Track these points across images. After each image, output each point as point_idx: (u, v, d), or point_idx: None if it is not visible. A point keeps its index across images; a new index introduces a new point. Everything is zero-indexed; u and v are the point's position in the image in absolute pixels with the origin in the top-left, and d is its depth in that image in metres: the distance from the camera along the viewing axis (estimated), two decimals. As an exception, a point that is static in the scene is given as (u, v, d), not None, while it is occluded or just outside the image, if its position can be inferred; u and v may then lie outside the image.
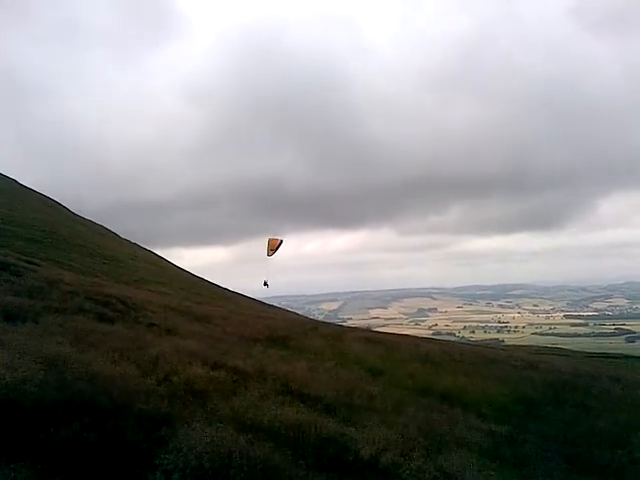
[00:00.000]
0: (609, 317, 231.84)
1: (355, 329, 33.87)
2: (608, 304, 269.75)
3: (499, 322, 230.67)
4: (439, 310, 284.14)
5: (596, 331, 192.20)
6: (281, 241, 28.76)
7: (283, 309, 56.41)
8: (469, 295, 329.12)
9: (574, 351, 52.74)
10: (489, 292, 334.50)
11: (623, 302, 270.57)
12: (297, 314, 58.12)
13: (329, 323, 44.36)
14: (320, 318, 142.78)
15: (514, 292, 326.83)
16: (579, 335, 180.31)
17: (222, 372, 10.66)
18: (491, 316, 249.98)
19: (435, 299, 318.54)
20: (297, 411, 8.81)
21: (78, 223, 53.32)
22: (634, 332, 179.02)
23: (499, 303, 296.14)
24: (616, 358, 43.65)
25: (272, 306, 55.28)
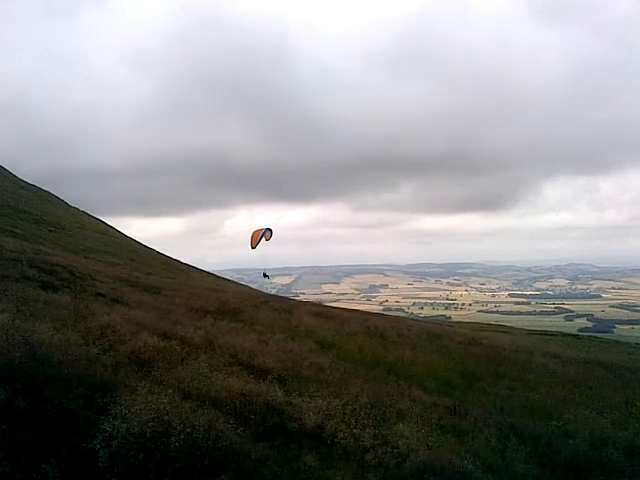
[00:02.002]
0: (550, 296, 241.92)
1: (307, 303, 34.08)
2: (550, 284, 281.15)
3: (447, 299, 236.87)
4: (390, 286, 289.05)
5: (537, 310, 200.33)
6: (265, 230, 23.52)
7: (236, 282, 56.08)
8: (420, 272, 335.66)
9: (516, 328, 55.01)
10: (439, 270, 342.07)
11: (564, 282, 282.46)
12: (250, 287, 57.96)
13: (282, 297, 44.52)
14: (273, 292, 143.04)
15: (463, 270, 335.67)
16: (521, 313, 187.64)
17: (170, 342, 10.55)
18: (440, 293, 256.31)
19: (387, 275, 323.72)
20: (245, 381, 8.85)
21: (23, 189, 51.03)
22: (572, 311, 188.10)
23: (448, 281, 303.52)
24: (554, 336, 45.78)
25: (225, 279, 54.95)
